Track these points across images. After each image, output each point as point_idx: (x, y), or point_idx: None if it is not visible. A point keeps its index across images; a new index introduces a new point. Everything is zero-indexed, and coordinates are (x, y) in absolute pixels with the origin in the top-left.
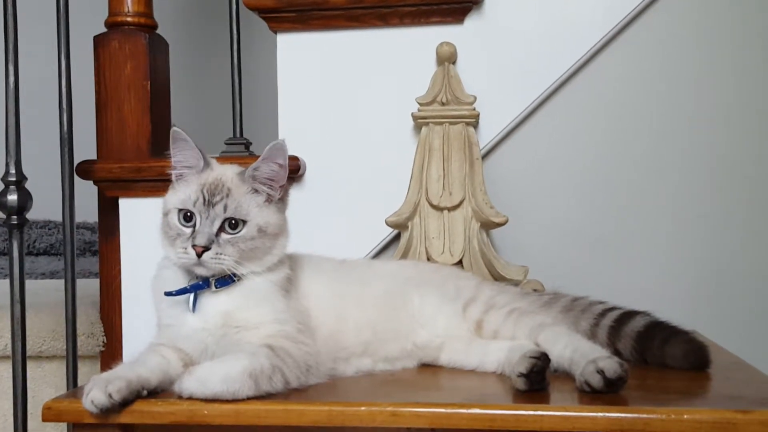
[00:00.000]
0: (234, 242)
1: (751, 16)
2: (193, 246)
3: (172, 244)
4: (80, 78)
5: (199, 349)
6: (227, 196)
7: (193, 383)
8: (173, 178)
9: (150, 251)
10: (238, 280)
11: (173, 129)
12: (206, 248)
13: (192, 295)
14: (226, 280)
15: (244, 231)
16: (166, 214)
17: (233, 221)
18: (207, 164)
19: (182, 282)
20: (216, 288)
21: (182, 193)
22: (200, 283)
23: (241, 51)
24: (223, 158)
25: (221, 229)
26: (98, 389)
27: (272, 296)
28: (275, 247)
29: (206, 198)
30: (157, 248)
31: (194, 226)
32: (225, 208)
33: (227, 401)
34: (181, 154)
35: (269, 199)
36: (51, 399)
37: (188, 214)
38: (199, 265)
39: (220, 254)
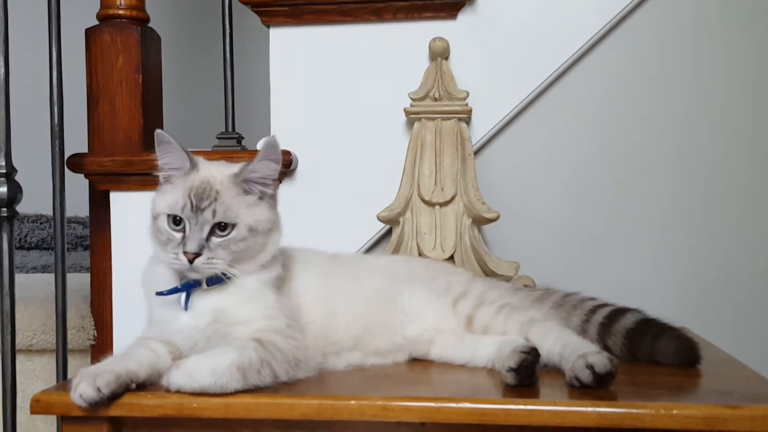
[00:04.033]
0: (225, 245)
1: (745, 16)
2: (185, 253)
3: (164, 248)
4: (72, 71)
5: (188, 345)
6: (215, 200)
7: (180, 376)
8: (161, 179)
9: (141, 245)
10: (230, 278)
11: (157, 132)
12: (197, 254)
13: (184, 294)
14: (219, 277)
15: (234, 233)
16: (155, 217)
17: (222, 224)
18: (194, 165)
19: (173, 277)
20: (207, 287)
21: (170, 198)
22: (191, 282)
23: (234, 45)
24: (215, 152)
25: (211, 232)
26: (86, 383)
27: (264, 293)
28: (268, 243)
29: (194, 203)
30: (148, 242)
31: (184, 230)
32: (214, 213)
33: (215, 395)
34: (167, 156)
35: (262, 196)
36: (39, 392)
37: (177, 218)
38: (191, 271)
39: (212, 258)
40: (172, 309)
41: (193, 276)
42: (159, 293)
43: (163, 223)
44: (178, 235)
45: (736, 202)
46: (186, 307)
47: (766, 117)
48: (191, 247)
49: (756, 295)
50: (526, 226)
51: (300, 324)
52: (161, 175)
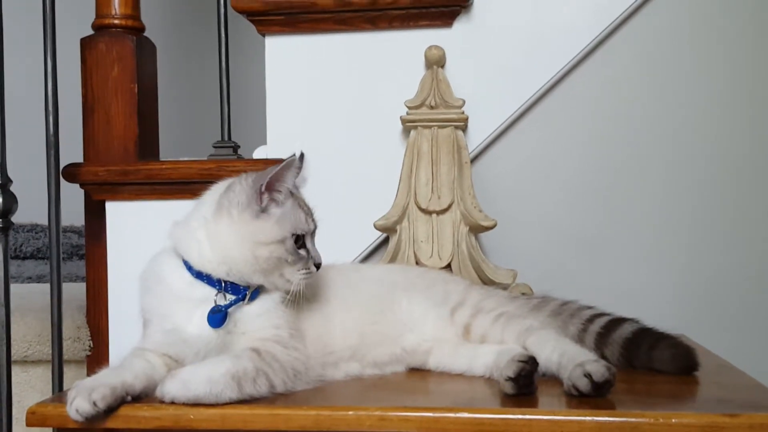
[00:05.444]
0: None
1: (743, 23)
2: (317, 265)
3: (287, 269)
4: (67, 80)
5: (190, 356)
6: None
7: (175, 385)
8: (261, 204)
9: (137, 255)
10: (263, 291)
11: (295, 158)
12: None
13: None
14: (257, 291)
15: None
16: (281, 241)
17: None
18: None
19: (189, 292)
20: (249, 301)
21: (292, 219)
22: (239, 296)
23: (230, 54)
24: (211, 162)
25: None
26: (82, 397)
27: (279, 304)
28: None
29: (312, 219)
30: (144, 252)
31: (304, 246)
32: (316, 225)
33: (210, 405)
34: (291, 181)
35: None
36: (35, 404)
37: (299, 237)
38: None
39: None
40: (183, 319)
41: (300, 289)
42: (218, 307)
43: (291, 244)
44: (304, 252)
45: (732, 206)
46: (221, 324)
47: (762, 121)
48: (320, 258)
49: (753, 300)
50: (523, 233)
51: (301, 333)
52: (269, 200)
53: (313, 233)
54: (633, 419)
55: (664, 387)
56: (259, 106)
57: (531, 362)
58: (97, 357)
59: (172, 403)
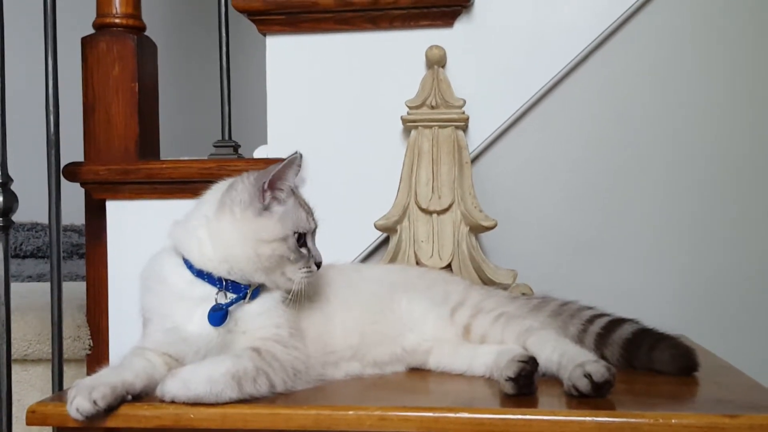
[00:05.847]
0: None
1: (743, 23)
2: (317, 264)
3: (288, 267)
4: (68, 79)
5: (190, 355)
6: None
7: (175, 385)
8: (264, 202)
9: (137, 254)
10: (264, 290)
11: (297, 156)
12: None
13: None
14: (258, 290)
15: None
16: (283, 239)
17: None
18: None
19: (190, 291)
20: (250, 300)
21: (293, 218)
22: (240, 295)
23: (230, 53)
24: (212, 161)
25: None
26: (82, 396)
27: (280, 303)
28: None
29: (313, 218)
30: (144, 251)
31: (305, 245)
32: (316, 224)
33: (210, 404)
34: (293, 179)
35: None
36: (35, 402)
37: (301, 235)
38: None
39: None
40: (183, 318)
41: (302, 288)
42: (219, 305)
43: (293, 242)
44: (305, 250)
45: (732, 206)
46: (221, 322)
47: (762, 121)
48: (321, 257)
49: (753, 300)
50: (524, 233)
51: (301, 333)
52: (271, 198)
53: (313, 232)
54: (633, 420)
55: (664, 387)
56: (260, 106)
57: (531, 362)
58: (97, 356)
59: (173, 402)
